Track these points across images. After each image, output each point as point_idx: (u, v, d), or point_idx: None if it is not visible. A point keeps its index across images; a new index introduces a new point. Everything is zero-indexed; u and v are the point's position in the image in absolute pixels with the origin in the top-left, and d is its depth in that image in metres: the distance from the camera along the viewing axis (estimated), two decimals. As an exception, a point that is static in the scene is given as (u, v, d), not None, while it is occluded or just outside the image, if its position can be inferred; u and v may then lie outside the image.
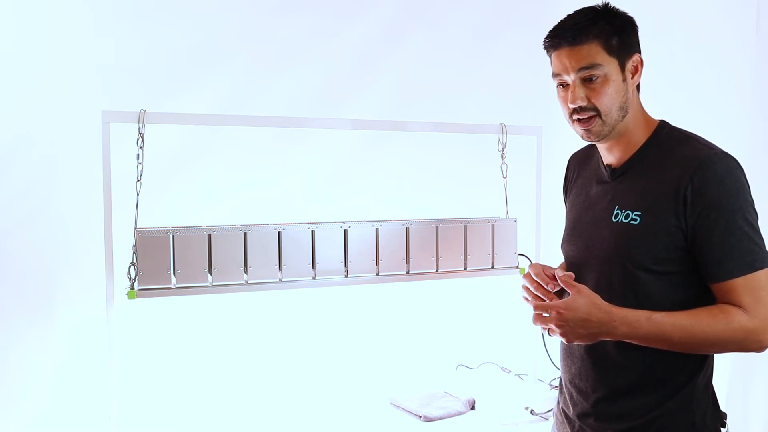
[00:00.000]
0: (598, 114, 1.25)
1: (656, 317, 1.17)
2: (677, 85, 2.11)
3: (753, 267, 1.17)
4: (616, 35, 1.24)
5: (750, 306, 1.16)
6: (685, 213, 1.19)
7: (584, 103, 1.25)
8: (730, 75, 2.05)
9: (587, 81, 1.24)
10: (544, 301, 1.29)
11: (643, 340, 1.19)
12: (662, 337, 1.17)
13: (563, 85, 1.29)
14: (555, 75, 1.30)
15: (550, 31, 1.29)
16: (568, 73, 1.26)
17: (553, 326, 1.20)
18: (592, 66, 1.23)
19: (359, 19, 2.41)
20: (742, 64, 2.01)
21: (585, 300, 1.18)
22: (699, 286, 1.22)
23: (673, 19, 2.18)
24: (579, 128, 1.29)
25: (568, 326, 1.18)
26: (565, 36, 1.25)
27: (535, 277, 1.33)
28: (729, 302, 1.18)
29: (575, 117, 1.28)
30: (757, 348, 1.18)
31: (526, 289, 1.35)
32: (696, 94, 2.11)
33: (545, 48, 1.31)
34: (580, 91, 1.25)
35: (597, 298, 1.19)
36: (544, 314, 1.22)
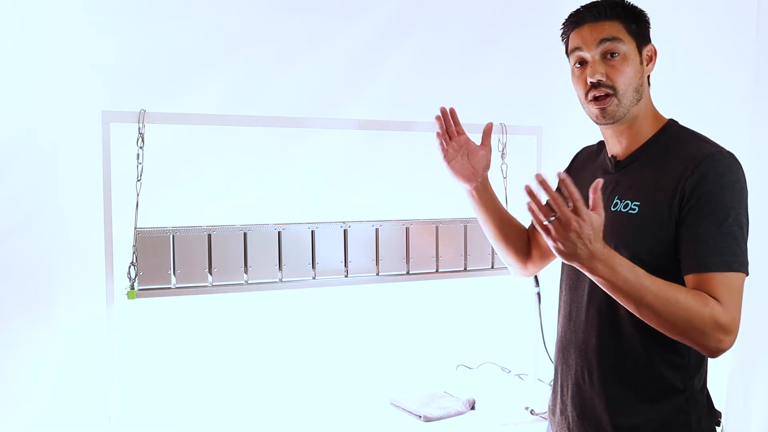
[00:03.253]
0: (615, 93, 1.26)
1: (639, 270, 1.12)
2: (677, 85, 2.11)
3: (731, 267, 1.15)
4: (635, 23, 1.28)
5: (724, 302, 1.13)
6: (680, 204, 1.19)
7: (603, 79, 1.25)
8: (730, 75, 2.05)
9: (606, 58, 1.26)
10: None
11: (617, 288, 1.12)
12: (636, 292, 1.11)
13: (581, 64, 1.30)
14: (573, 51, 1.30)
15: (571, 13, 1.31)
16: (588, 48, 1.27)
17: (560, 227, 1.08)
18: (613, 39, 1.25)
19: (359, 19, 2.40)
20: (742, 65, 2.01)
21: (600, 227, 1.09)
22: None
23: (672, 19, 2.18)
24: (594, 108, 1.28)
25: (576, 235, 1.07)
26: (589, 13, 1.28)
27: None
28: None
29: (592, 95, 1.28)
30: (714, 346, 1.13)
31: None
32: (696, 94, 2.11)
33: (564, 29, 1.33)
34: (600, 67, 1.26)
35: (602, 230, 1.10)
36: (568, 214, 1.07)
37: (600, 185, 1.11)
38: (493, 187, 2.12)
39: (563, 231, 1.08)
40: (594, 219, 1.08)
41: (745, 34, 1.98)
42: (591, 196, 1.11)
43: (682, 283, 1.20)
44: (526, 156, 2.13)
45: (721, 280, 1.15)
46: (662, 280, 1.14)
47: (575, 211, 1.07)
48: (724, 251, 1.16)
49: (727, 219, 1.17)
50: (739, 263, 1.16)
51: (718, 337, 1.13)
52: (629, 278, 1.12)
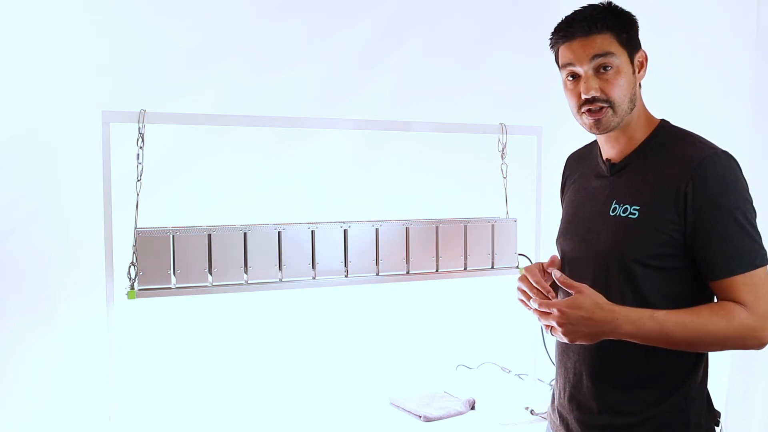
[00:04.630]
0: (611, 105, 1.25)
1: (659, 315, 1.17)
2: (677, 86, 2.11)
3: (753, 264, 1.17)
4: (625, 31, 1.26)
5: (750, 303, 1.16)
6: (685, 210, 1.19)
7: (597, 94, 1.25)
8: (730, 76, 2.05)
9: (600, 72, 1.25)
10: (547, 298, 1.29)
11: (645, 338, 1.19)
12: (665, 335, 1.17)
13: (573, 77, 1.29)
14: (565, 66, 1.29)
15: (560, 25, 1.29)
16: (581, 63, 1.26)
17: (554, 324, 1.20)
18: (606, 54, 1.24)
19: (359, 19, 2.41)
20: (742, 65, 2.01)
21: (588, 300, 1.19)
22: (695, 282, 1.23)
23: (672, 19, 2.18)
24: (588, 119, 1.28)
25: (570, 325, 1.18)
26: (579, 27, 1.25)
27: (534, 284, 1.32)
28: (729, 299, 1.18)
29: (585, 108, 1.27)
30: (757, 345, 1.19)
31: (523, 291, 1.34)
32: (696, 95, 2.11)
33: (554, 41, 1.31)
34: (594, 82, 1.25)
35: (599, 297, 1.19)
36: (546, 310, 1.22)
37: (560, 276, 1.25)
38: (493, 187, 2.13)
39: (561, 330, 1.20)
40: (574, 301, 1.19)
41: (745, 34, 1.98)
42: (561, 285, 1.23)
43: (690, 284, 1.22)
44: (526, 156, 2.13)
45: (745, 281, 1.17)
46: (682, 312, 1.18)
47: (559, 311, 1.19)
48: (743, 252, 1.17)
49: (737, 219, 1.17)
50: (760, 258, 1.18)
51: (755, 336, 1.17)
52: (653, 328, 1.17)
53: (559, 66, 1.33)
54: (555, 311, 1.20)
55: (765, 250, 1.20)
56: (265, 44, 2.28)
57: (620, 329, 1.18)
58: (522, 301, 1.35)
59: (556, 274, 1.23)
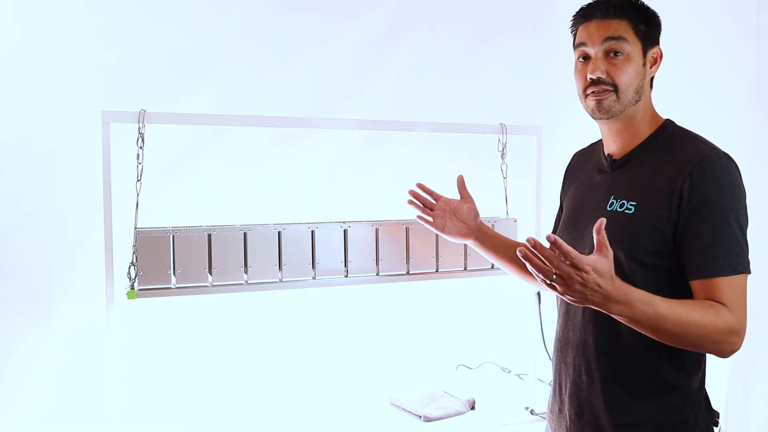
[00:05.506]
0: (615, 90, 1.26)
1: (655, 300, 1.14)
2: (677, 86, 2.10)
3: (736, 270, 1.17)
4: (644, 24, 1.28)
5: (732, 306, 1.15)
6: (680, 208, 1.19)
7: (603, 76, 1.26)
8: (730, 76, 2.05)
9: (609, 56, 1.26)
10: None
11: (636, 321, 1.14)
12: (656, 323, 1.13)
13: (584, 59, 1.30)
14: (578, 45, 1.31)
15: (582, 7, 1.32)
16: (593, 44, 1.27)
17: (564, 279, 1.08)
18: (618, 38, 1.25)
19: (359, 19, 2.40)
20: (742, 65, 2.01)
21: (609, 269, 1.10)
22: (688, 283, 1.22)
23: (672, 20, 2.18)
24: (591, 102, 1.29)
25: (584, 285, 1.08)
26: (598, 9, 1.28)
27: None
28: (709, 299, 1.17)
29: (590, 91, 1.28)
30: (728, 350, 1.16)
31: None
32: (696, 94, 2.11)
33: (573, 22, 1.34)
34: (602, 64, 1.26)
35: (613, 269, 1.12)
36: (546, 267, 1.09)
37: (603, 224, 1.10)
38: (493, 187, 2.13)
39: (567, 285, 1.08)
40: (599, 264, 1.08)
41: (745, 34, 1.98)
42: (595, 236, 1.11)
43: (681, 283, 1.21)
44: (526, 156, 2.13)
45: (727, 283, 1.16)
46: (676, 302, 1.15)
47: (574, 265, 1.07)
48: (728, 255, 1.17)
49: (728, 222, 1.17)
50: (743, 265, 1.18)
51: (732, 341, 1.16)
52: (647, 311, 1.13)
53: (574, 47, 1.34)
54: (586, 269, 1.06)
55: (748, 260, 1.19)
56: (265, 44, 2.28)
57: (617, 303, 1.11)
58: (418, 211, 1.65)
59: (551, 237, 1.10)
